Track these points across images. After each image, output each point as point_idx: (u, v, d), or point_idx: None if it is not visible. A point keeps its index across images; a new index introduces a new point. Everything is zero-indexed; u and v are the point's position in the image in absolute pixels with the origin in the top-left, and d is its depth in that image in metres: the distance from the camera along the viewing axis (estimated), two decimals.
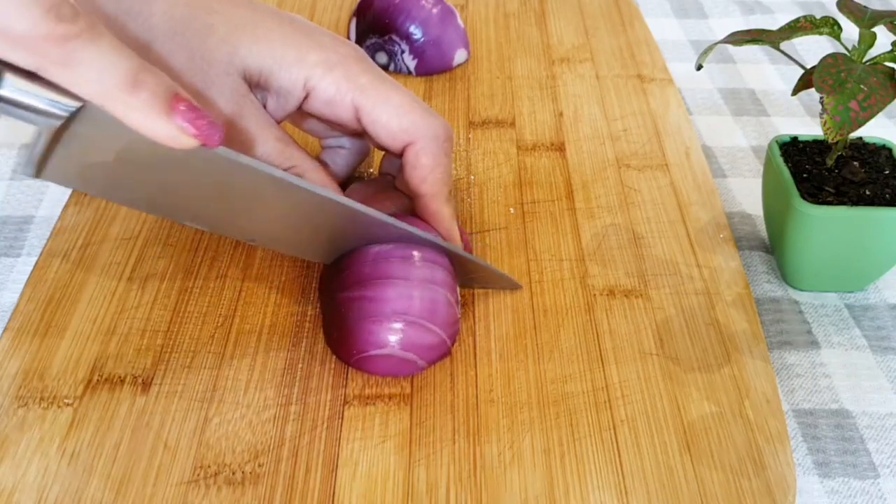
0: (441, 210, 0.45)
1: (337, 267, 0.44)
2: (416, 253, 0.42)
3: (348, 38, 0.66)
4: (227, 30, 0.42)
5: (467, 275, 0.46)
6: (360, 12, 0.65)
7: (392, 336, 0.41)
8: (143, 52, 0.41)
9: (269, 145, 0.43)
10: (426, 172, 0.44)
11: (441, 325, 0.42)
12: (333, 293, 0.43)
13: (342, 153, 0.50)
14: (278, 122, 0.44)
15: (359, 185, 0.49)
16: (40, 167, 0.36)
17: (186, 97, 0.35)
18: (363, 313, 0.41)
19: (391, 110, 0.43)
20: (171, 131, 0.35)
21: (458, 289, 0.44)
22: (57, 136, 0.35)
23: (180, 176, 0.39)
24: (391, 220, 0.42)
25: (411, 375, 0.42)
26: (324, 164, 0.49)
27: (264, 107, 0.44)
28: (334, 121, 0.45)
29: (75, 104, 0.34)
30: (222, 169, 0.38)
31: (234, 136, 0.42)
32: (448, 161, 0.45)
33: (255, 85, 0.43)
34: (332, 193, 0.41)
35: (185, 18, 0.42)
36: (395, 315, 0.41)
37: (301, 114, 0.47)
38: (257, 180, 0.39)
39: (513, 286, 0.47)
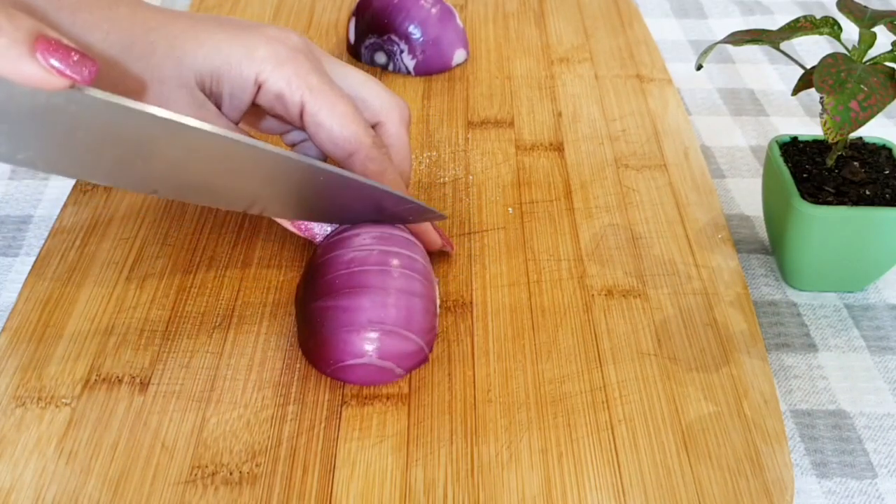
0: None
1: (311, 276, 0.43)
2: (394, 261, 0.42)
3: (347, 38, 0.66)
4: (168, 44, 0.42)
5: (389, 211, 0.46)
6: (359, 12, 0.65)
7: (368, 345, 0.40)
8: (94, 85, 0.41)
9: None
10: (377, 178, 0.44)
11: (418, 333, 0.41)
12: (308, 302, 0.42)
13: (307, 146, 0.50)
14: (236, 123, 0.45)
15: None
16: None
17: (53, 36, 0.33)
18: (338, 323, 0.40)
19: (336, 119, 0.44)
20: (37, 71, 0.33)
21: (437, 293, 0.44)
22: None
23: (75, 130, 0.37)
24: (321, 164, 0.41)
25: (389, 383, 0.42)
26: None
27: (220, 108, 0.44)
28: (284, 116, 0.45)
29: None
30: (114, 116, 0.36)
31: None
32: (391, 165, 0.45)
33: (209, 90, 0.43)
34: (250, 140, 0.40)
35: (124, 43, 0.42)
36: (371, 324, 0.40)
37: (256, 113, 0.48)
38: (145, 124, 0.37)
39: (438, 217, 0.47)
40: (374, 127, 0.47)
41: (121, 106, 0.36)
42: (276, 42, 0.43)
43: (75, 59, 0.33)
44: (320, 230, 0.46)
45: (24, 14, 0.33)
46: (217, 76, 0.43)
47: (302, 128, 0.45)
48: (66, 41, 0.34)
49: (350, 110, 0.44)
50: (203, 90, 0.43)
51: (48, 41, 0.33)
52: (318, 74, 0.44)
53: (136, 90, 0.42)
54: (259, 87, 0.43)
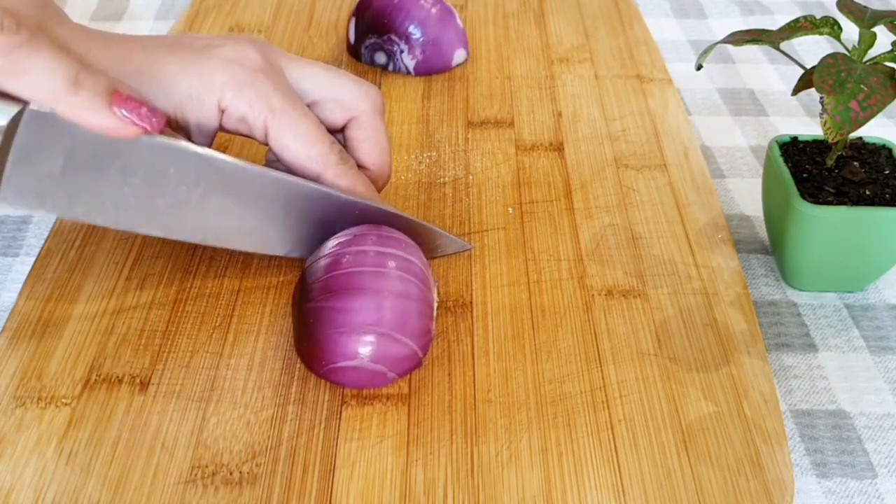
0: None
1: (307, 276, 0.43)
2: (390, 263, 0.41)
3: (347, 38, 0.66)
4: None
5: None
6: (359, 12, 0.65)
7: (361, 348, 0.40)
8: None
9: None
10: (350, 193, 0.45)
11: (412, 337, 0.41)
12: (303, 303, 0.42)
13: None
14: (207, 144, 0.44)
15: None
16: None
17: (126, 91, 0.38)
18: (332, 324, 0.40)
19: (301, 140, 0.44)
20: (114, 122, 0.38)
21: (434, 296, 0.44)
22: (4, 149, 0.38)
23: (128, 175, 0.41)
24: (331, 191, 0.44)
25: (381, 387, 0.42)
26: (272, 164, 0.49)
27: (189, 138, 0.44)
28: (250, 136, 0.45)
29: (14, 108, 0.37)
30: (166, 158, 0.41)
31: None
32: (360, 177, 0.46)
33: (176, 123, 0.43)
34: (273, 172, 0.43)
35: None
36: (365, 327, 0.40)
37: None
38: (200, 165, 0.42)
39: (462, 248, 0.49)
40: (348, 123, 0.47)
41: (178, 148, 0.41)
42: (233, 64, 0.43)
43: (145, 111, 0.39)
44: None
45: (101, 71, 0.39)
46: (181, 110, 0.43)
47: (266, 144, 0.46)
48: (136, 94, 0.39)
49: (313, 128, 0.44)
50: (169, 125, 0.43)
51: (122, 96, 0.38)
52: (279, 94, 0.44)
53: None
54: (223, 113, 0.43)
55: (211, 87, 0.43)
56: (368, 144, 0.47)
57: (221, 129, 0.45)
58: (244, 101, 0.43)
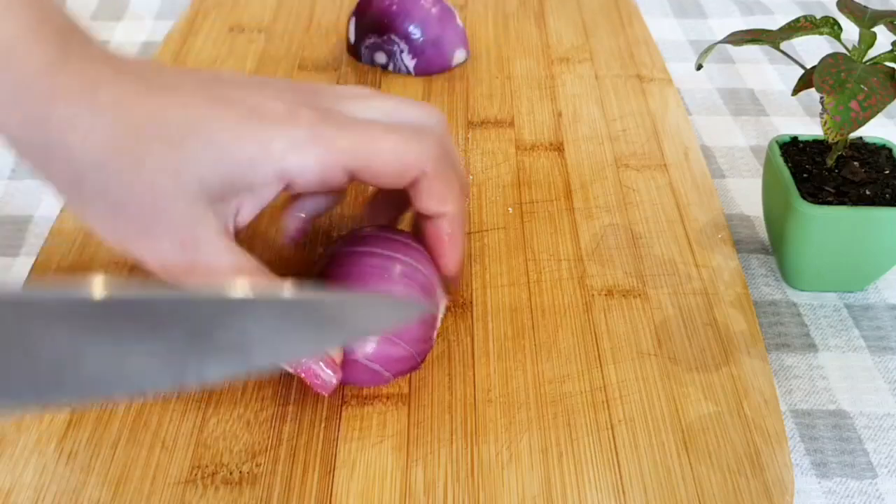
0: (456, 234, 0.42)
1: (314, 272, 0.43)
2: (396, 268, 0.41)
3: (347, 37, 0.66)
4: (161, 148, 0.35)
5: None
6: (358, 12, 0.65)
7: (358, 344, 0.40)
8: (77, 188, 0.35)
9: (224, 278, 0.37)
10: (444, 195, 0.40)
11: (410, 342, 0.41)
12: None
13: (308, 202, 0.44)
14: (260, 211, 0.39)
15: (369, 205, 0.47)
16: None
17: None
18: None
19: (389, 157, 0.38)
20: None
21: (440, 306, 0.43)
22: None
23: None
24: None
25: (377, 385, 0.42)
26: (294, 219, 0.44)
27: (237, 211, 0.38)
28: (332, 188, 0.39)
29: None
30: None
31: (189, 270, 0.37)
32: (453, 174, 0.41)
33: (220, 197, 0.36)
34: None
35: (109, 146, 0.34)
36: None
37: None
38: None
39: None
40: (412, 184, 0.41)
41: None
42: (288, 126, 0.37)
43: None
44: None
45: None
46: (229, 181, 0.36)
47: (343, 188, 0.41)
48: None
49: (399, 139, 0.39)
50: (209, 199, 0.36)
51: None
52: (345, 133, 0.38)
53: (126, 202, 0.35)
54: (289, 182, 0.38)
55: (268, 156, 0.36)
56: None
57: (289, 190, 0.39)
58: (313, 161, 0.37)
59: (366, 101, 0.40)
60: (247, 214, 0.38)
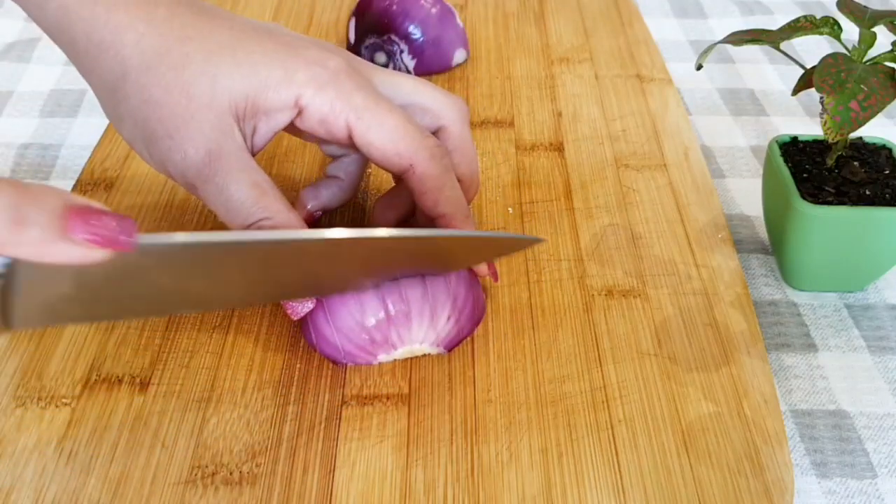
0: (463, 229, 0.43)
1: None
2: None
3: (347, 37, 0.66)
4: (203, 58, 0.40)
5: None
6: (358, 12, 0.65)
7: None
8: (118, 85, 0.40)
9: (243, 192, 0.40)
10: (435, 194, 0.42)
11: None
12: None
13: (347, 161, 0.48)
14: (270, 140, 0.42)
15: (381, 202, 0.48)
16: (6, 320, 0.33)
17: (81, 204, 0.31)
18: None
19: (386, 134, 0.41)
20: (75, 251, 0.30)
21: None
22: (7, 287, 0.31)
23: (131, 279, 0.35)
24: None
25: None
26: (332, 179, 0.48)
27: (254, 131, 0.41)
28: (328, 138, 0.42)
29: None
30: (164, 255, 0.34)
31: (208, 177, 0.40)
32: (450, 179, 0.43)
33: (243, 114, 0.41)
34: (299, 232, 0.39)
35: (158, 50, 0.40)
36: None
37: (295, 129, 0.44)
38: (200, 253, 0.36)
39: (534, 242, 0.48)
40: (436, 132, 0.45)
41: (177, 244, 0.33)
42: (317, 64, 0.41)
43: (112, 225, 0.31)
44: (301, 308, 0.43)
45: (45, 188, 0.30)
46: (253, 98, 0.40)
47: (349, 147, 0.44)
48: (95, 206, 0.31)
49: (400, 123, 0.41)
50: (235, 113, 0.40)
51: (77, 215, 0.30)
52: (362, 92, 0.41)
53: (161, 101, 0.39)
54: (300, 112, 0.41)
55: (291, 82, 0.40)
56: (457, 155, 0.45)
57: (292, 129, 0.43)
58: (325, 100, 0.40)
59: (398, 77, 0.45)
60: (259, 140, 0.42)
